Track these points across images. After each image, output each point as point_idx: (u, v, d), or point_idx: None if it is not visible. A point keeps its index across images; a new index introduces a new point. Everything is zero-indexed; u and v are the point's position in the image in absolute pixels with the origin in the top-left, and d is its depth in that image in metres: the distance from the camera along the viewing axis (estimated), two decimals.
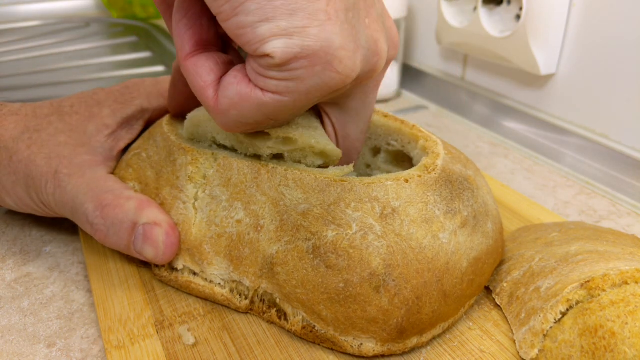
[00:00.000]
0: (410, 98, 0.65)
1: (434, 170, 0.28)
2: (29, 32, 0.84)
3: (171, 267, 0.30)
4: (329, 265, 0.25)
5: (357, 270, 0.25)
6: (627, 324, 0.23)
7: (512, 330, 0.28)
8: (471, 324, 0.28)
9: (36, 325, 0.29)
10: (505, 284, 0.30)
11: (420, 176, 0.27)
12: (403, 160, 0.34)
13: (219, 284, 0.29)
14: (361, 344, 0.26)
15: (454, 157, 0.30)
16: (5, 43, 0.79)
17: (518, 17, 0.48)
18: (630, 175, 0.43)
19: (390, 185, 0.26)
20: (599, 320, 0.24)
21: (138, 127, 0.36)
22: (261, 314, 0.28)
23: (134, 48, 0.78)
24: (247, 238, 0.27)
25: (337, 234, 0.25)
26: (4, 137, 0.32)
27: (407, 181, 0.27)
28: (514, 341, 0.27)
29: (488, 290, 0.31)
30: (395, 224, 0.26)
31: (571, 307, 0.25)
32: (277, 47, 0.22)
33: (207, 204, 0.29)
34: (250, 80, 0.24)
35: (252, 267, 0.27)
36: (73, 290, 0.32)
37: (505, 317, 0.29)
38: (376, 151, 0.35)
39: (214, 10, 0.22)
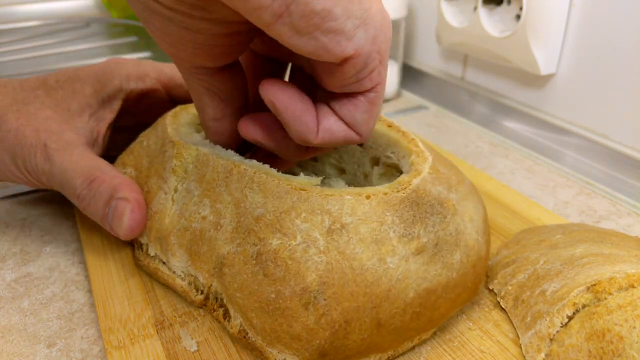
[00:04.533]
0: (410, 98, 0.65)
1: (404, 189, 0.26)
2: (29, 32, 0.84)
3: (147, 252, 0.31)
4: (266, 274, 0.24)
5: (291, 283, 0.24)
6: (634, 327, 0.23)
7: (512, 330, 0.28)
8: (471, 324, 0.28)
9: (36, 325, 0.29)
10: (510, 287, 0.29)
11: (385, 194, 0.26)
12: (401, 173, 0.33)
13: (180, 275, 0.29)
14: (285, 359, 0.25)
15: (439, 177, 0.28)
16: (5, 43, 0.79)
17: (518, 17, 0.48)
18: (630, 175, 0.43)
19: (348, 200, 0.25)
20: (606, 324, 0.23)
21: (117, 106, 0.37)
22: (212, 311, 0.28)
23: (133, 48, 0.78)
24: (207, 235, 0.27)
25: (280, 242, 0.24)
26: None
27: (368, 197, 0.25)
28: (515, 342, 0.27)
29: (490, 292, 0.31)
30: (341, 241, 0.24)
31: (577, 311, 0.25)
32: (358, 42, 0.22)
33: (182, 197, 0.29)
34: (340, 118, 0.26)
35: (207, 264, 0.27)
36: (73, 290, 0.32)
37: (506, 318, 0.29)
38: (375, 162, 0.34)
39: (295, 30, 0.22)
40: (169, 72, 0.40)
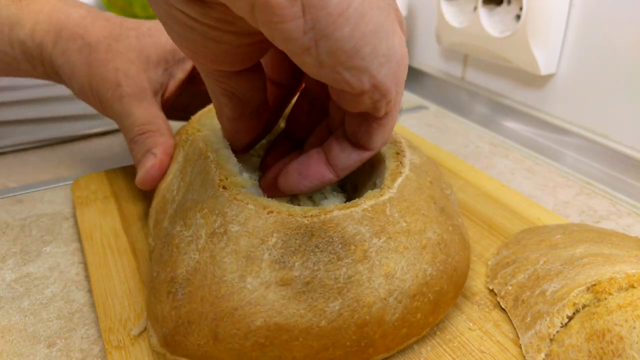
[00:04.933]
0: (410, 98, 0.65)
1: (314, 216, 0.25)
2: None
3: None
4: (161, 253, 0.27)
5: (167, 269, 0.26)
6: (634, 328, 0.23)
7: (512, 330, 0.28)
8: (471, 324, 0.28)
9: (36, 325, 0.29)
10: (510, 287, 0.29)
11: (290, 215, 0.25)
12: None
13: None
14: (151, 336, 0.26)
15: (375, 217, 0.25)
16: None
17: (518, 17, 0.48)
18: (630, 175, 0.43)
19: (248, 209, 0.25)
20: (606, 325, 0.23)
21: (188, 67, 0.40)
22: None
23: None
24: (166, 207, 0.31)
25: (179, 230, 0.26)
26: (92, 36, 0.38)
27: (270, 212, 0.25)
28: (515, 342, 0.27)
29: (490, 292, 0.31)
30: (217, 246, 0.24)
31: (577, 311, 0.25)
32: (381, 78, 0.22)
33: (177, 169, 0.33)
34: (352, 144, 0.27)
35: (157, 232, 0.31)
36: (73, 290, 0.32)
37: (506, 318, 0.29)
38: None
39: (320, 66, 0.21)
40: None
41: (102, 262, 0.33)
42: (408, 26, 0.64)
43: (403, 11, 0.59)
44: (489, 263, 0.33)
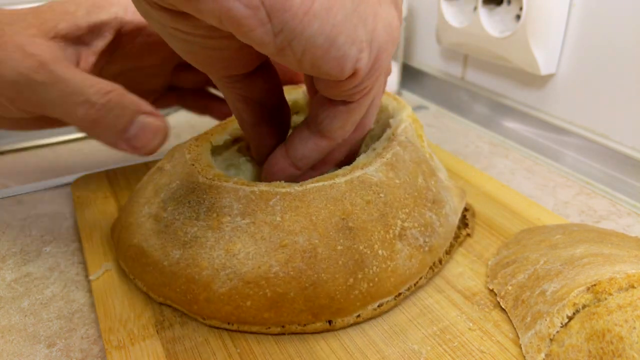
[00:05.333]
0: (410, 98, 0.65)
1: (213, 180, 0.28)
2: None
3: None
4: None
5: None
6: (634, 328, 0.23)
7: (512, 330, 0.28)
8: (471, 324, 0.28)
9: (36, 325, 0.29)
10: (510, 287, 0.29)
11: (207, 173, 0.29)
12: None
13: None
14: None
15: (257, 205, 0.27)
16: None
17: (518, 17, 0.48)
18: (630, 175, 0.43)
19: (186, 158, 0.30)
20: (606, 325, 0.23)
21: (109, 36, 0.35)
22: None
23: None
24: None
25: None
26: None
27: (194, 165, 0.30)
28: (515, 342, 0.27)
29: (490, 292, 0.31)
30: (151, 176, 0.32)
31: (577, 311, 0.25)
32: (363, 63, 0.22)
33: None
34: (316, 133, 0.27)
35: None
36: (73, 290, 0.32)
37: (506, 318, 0.29)
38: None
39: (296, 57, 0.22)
40: None
41: (102, 262, 0.33)
42: (408, 26, 0.64)
43: (403, 11, 0.59)
44: (489, 263, 0.33)
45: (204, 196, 0.28)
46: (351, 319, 0.28)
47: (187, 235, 0.27)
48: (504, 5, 0.49)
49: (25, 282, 0.33)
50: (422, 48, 0.64)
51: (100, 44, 0.35)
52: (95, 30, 0.34)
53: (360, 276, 0.27)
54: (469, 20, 0.52)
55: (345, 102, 0.26)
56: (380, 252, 0.27)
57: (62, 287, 0.32)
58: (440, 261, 0.32)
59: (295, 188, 0.27)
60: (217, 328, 0.28)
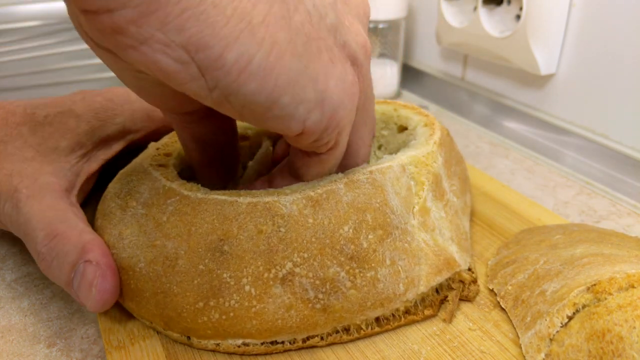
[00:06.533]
0: (410, 98, 0.65)
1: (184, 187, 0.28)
2: (29, 32, 0.84)
3: None
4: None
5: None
6: (634, 328, 0.23)
7: (512, 330, 0.28)
8: (471, 324, 0.28)
9: (36, 325, 0.29)
10: (509, 287, 0.29)
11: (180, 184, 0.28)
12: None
13: None
14: None
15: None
16: (5, 43, 0.79)
17: (518, 17, 0.48)
18: (630, 175, 0.43)
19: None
20: (606, 325, 0.23)
21: (117, 147, 0.34)
22: None
23: None
24: None
25: None
26: None
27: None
28: (515, 342, 0.27)
29: (490, 292, 0.31)
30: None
31: (577, 311, 0.25)
32: (312, 122, 0.21)
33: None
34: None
35: None
36: None
37: (506, 318, 0.29)
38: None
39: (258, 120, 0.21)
40: None
41: None
42: (408, 26, 0.64)
43: (403, 11, 0.59)
44: (489, 263, 0.33)
45: (133, 178, 0.29)
46: (210, 344, 0.26)
47: (109, 208, 0.29)
48: (504, 5, 0.49)
49: (25, 282, 0.33)
50: (422, 48, 0.64)
51: (104, 157, 0.33)
52: (101, 145, 0.33)
53: (212, 304, 0.25)
54: (469, 20, 0.52)
55: (316, 153, 0.25)
56: (247, 287, 0.25)
57: (62, 287, 0.32)
58: (358, 329, 0.27)
59: (198, 195, 0.26)
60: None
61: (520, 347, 0.26)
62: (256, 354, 0.26)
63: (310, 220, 0.25)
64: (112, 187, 0.30)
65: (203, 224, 0.25)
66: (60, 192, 0.29)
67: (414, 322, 0.28)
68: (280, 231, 0.25)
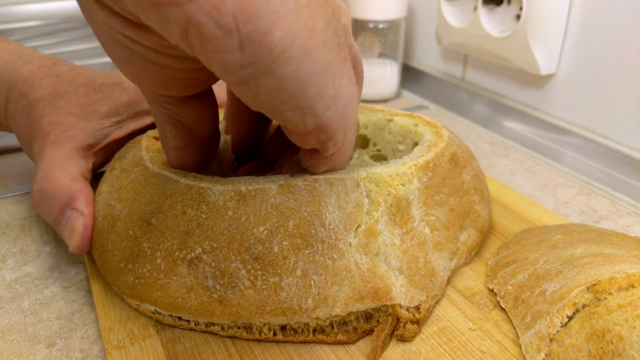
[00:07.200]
0: (410, 98, 0.65)
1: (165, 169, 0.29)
2: (29, 32, 0.84)
3: None
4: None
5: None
6: (634, 327, 0.23)
7: (512, 330, 0.28)
8: (471, 324, 0.28)
9: (36, 325, 0.29)
10: (509, 287, 0.29)
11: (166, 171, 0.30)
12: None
13: None
14: None
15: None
16: None
17: (518, 17, 0.48)
18: (630, 175, 0.43)
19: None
20: (606, 324, 0.23)
21: (148, 121, 0.37)
22: None
23: None
24: None
25: None
26: (35, 93, 0.35)
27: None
28: (515, 342, 0.27)
29: (490, 292, 0.31)
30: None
31: (577, 311, 0.25)
32: (326, 119, 0.21)
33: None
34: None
35: None
36: (73, 290, 0.32)
37: (506, 318, 0.29)
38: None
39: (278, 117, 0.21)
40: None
41: None
42: (408, 26, 0.64)
43: (403, 11, 0.59)
44: (489, 263, 0.33)
45: (130, 145, 0.33)
46: (133, 303, 0.29)
47: (109, 166, 0.32)
48: (504, 5, 0.49)
49: (25, 282, 0.33)
50: (422, 48, 0.64)
51: (135, 126, 0.37)
52: (136, 117, 0.37)
53: (130, 267, 0.27)
54: (469, 20, 0.52)
55: (324, 155, 0.25)
56: (158, 260, 0.26)
57: (62, 287, 0.32)
58: (260, 331, 0.27)
59: (154, 169, 0.29)
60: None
61: (520, 347, 0.26)
62: (169, 325, 0.28)
63: (230, 213, 0.26)
64: (119, 150, 0.34)
65: (146, 195, 0.28)
66: (82, 145, 0.34)
67: (323, 342, 0.27)
68: (201, 217, 0.26)
